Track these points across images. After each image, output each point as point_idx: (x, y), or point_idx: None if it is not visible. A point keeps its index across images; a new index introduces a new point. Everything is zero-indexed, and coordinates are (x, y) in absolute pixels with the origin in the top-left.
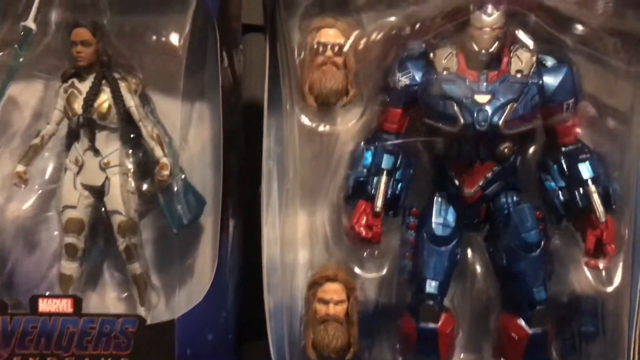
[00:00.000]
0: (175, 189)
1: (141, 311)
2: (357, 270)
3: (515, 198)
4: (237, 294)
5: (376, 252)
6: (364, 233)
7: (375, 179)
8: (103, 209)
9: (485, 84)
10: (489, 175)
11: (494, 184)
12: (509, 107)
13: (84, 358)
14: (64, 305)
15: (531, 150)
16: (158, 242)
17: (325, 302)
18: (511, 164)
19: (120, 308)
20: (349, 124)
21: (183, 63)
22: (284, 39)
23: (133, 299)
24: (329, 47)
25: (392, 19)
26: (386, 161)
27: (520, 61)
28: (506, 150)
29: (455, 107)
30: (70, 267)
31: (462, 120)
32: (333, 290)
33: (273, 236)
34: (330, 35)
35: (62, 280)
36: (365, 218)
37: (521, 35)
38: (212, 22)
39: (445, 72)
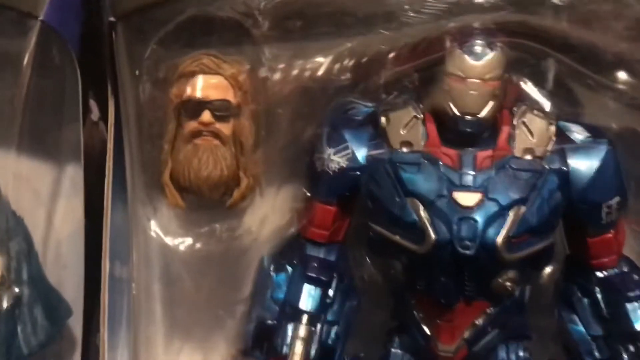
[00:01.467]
0: (6, 304)
1: None
2: None
3: (522, 354)
4: None
5: None
6: None
7: (289, 330)
8: None
9: (471, 172)
10: (479, 321)
11: (487, 335)
12: (512, 214)
13: None
14: None
15: (548, 270)
16: None
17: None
18: (515, 301)
19: None
20: (240, 236)
21: (19, 114)
22: (124, 90)
23: None
24: (206, 107)
25: (320, 59)
26: (308, 297)
27: (530, 133)
28: (508, 284)
29: (422, 213)
30: None
31: (433, 236)
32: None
33: None
34: (210, 86)
35: None
36: None
37: (530, 89)
38: (69, 58)
39: (404, 150)
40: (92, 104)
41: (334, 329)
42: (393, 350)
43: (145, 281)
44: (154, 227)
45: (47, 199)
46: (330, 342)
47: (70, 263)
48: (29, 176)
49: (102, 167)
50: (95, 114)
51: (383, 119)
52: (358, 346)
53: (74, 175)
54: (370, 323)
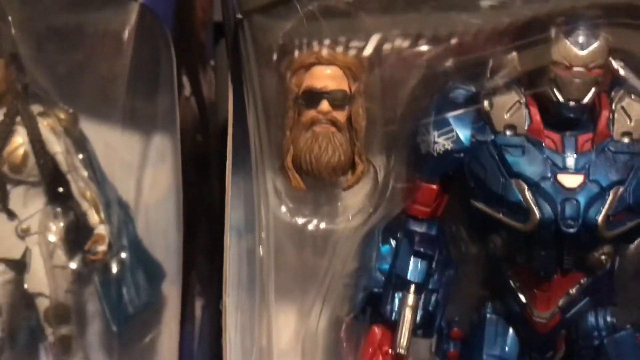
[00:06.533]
0: (116, 269)
1: None
2: None
3: (609, 319)
4: None
5: None
6: None
7: (397, 298)
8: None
9: (573, 155)
10: (573, 290)
11: (579, 303)
12: (611, 194)
13: None
14: None
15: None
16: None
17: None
18: (607, 272)
19: None
20: (354, 219)
21: (124, 86)
22: (251, 79)
23: None
24: (324, 97)
25: (425, 47)
26: (414, 269)
27: (629, 117)
28: (603, 257)
29: (527, 194)
30: None
31: (537, 215)
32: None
33: (243, 348)
34: (327, 77)
35: None
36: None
37: (628, 75)
38: (164, 37)
39: (508, 133)
40: (185, 80)
41: (435, 297)
42: (488, 315)
43: (267, 251)
44: (281, 211)
45: (136, 168)
46: (431, 308)
47: (158, 228)
48: (120, 147)
49: (194, 140)
50: (187, 90)
51: (486, 103)
52: (454, 312)
53: (158, 145)
54: (464, 291)
